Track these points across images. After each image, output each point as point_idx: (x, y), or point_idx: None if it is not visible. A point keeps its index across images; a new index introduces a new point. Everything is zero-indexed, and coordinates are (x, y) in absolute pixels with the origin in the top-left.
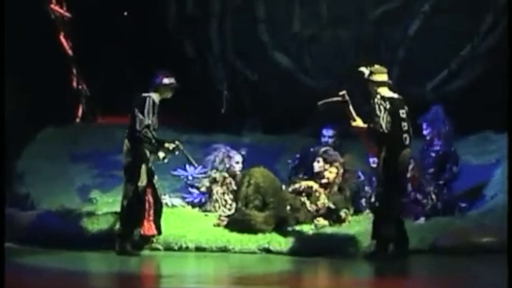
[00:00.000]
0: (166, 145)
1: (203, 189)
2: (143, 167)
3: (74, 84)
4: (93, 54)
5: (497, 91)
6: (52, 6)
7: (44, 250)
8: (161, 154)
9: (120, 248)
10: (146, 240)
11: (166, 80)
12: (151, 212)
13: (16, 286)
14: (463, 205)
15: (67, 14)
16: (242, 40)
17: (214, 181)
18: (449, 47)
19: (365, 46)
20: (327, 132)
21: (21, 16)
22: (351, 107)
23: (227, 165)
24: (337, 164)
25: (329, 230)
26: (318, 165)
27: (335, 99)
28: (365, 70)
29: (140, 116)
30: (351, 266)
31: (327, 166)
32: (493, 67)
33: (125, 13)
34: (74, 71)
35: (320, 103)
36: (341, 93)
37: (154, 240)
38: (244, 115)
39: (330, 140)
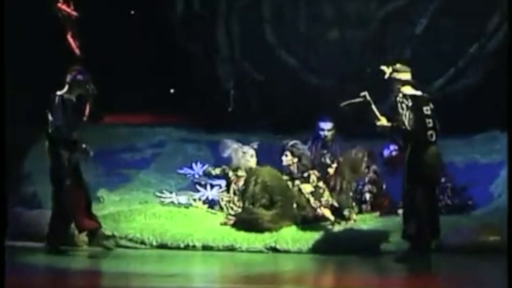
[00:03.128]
0: (83, 146)
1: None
2: (64, 166)
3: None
4: (100, 53)
5: (503, 90)
6: (60, 5)
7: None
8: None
9: (48, 247)
10: (93, 234)
11: (79, 77)
12: (83, 208)
13: (23, 285)
14: (470, 203)
15: (75, 13)
16: (249, 40)
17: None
18: (456, 46)
19: (372, 45)
20: (325, 125)
21: (28, 15)
22: (374, 107)
23: (243, 161)
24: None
25: (337, 228)
26: (286, 159)
27: (357, 100)
28: (387, 69)
29: (50, 116)
30: (363, 264)
31: (295, 159)
32: (499, 67)
33: (132, 12)
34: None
35: (343, 104)
36: (362, 93)
37: (111, 241)
38: (251, 115)
39: (329, 134)
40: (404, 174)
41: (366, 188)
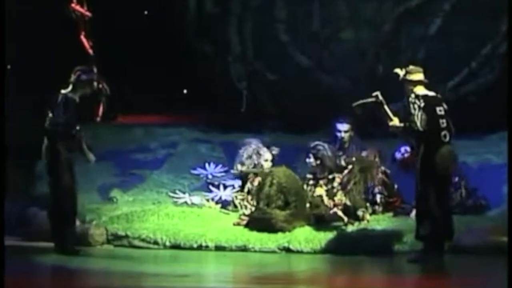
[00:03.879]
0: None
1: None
2: (62, 164)
3: (95, 83)
4: (113, 53)
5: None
6: (73, 5)
7: None
8: (91, 157)
9: (57, 247)
10: None
11: (83, 77)
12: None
13: (37, 284)
14: (483, 203)
15: (88, 13)
16: (262, 39)
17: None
18: (469, 46)
19: (385, 45)
20: (341, 127)
21: (42, 15)
22: (386, 107)
23: (255, 162)
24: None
25: (350, 228)
26: (309, 161)
27: (369, 100)
28: (400, 72)
29: (50, 114)
30: (376, 265)
31: (317, 161)
32: None
33: (145, 12)
34: (95, 70)
35: (354, 104)
36: (374, 93)
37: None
38: (264, 115)
39: (345, 135)
40: (417, 175)
41: (377, 189)
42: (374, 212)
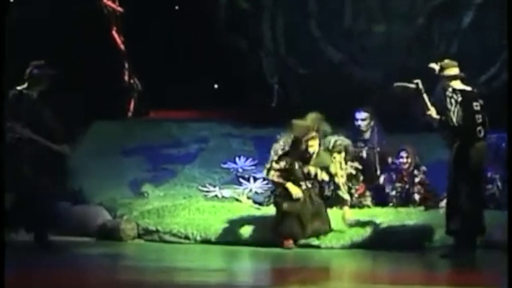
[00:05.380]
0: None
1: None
2: (21, 159)
3: (126, 78)
4: (144, 48)
5: None
6: (105, 0)
7: (97, 243)
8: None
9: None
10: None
11: (35, 71)
12: None
13: (68, 278)
14: None
15: (119, 9)
16: (294, 34)
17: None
18: (501, 40)
19: (418, 39)
20: (359, 115)
21: (75, 11)
22: (425, 96)
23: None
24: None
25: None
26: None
27: (411, 85)
28: (436, 66)
29: (7, 112)
30: (408, 260)
31: (342, 155)
32: None
33: (176, 7)
34: (126, 65)
35: (396, 84)
36: (415, 80)
37: None
38: (295, 109)
39: (363, 123)
40: (450, 170)
41: (416, 189)
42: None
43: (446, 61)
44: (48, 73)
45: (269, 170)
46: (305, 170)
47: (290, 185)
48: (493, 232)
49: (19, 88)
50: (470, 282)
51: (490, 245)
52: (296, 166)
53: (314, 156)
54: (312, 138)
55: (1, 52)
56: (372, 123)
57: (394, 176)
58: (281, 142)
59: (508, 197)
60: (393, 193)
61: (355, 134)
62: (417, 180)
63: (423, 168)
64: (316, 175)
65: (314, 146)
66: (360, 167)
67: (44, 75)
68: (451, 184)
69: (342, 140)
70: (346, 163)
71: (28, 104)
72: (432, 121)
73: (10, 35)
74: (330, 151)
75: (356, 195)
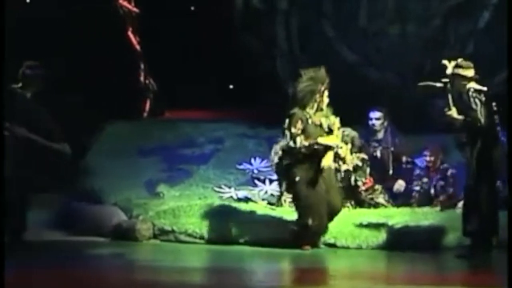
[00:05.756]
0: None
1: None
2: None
3: (142, 79)
4: (160, 49)
5: None
6: (121, 1)
7: (112, 243)
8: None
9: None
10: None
11: (28, 72)
12: None
13: (85, 278)
14: None
15: (135, 9)
16: (308, 34)
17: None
18: None
19: (433, 40)
20: (373, 114)
21: (91, 11)
22: (450, 96)
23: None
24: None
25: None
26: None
27: (437, 84)
28: (449, 64)
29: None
30: (423, 260)
31: (348, 146)
32: None
33: (192, 8)
34: (142, 66)
35: (420, 84)
36: (444, 80)
37: None
38: None
39: (377, 123)
40: (471, 170)
41: (442, 189)
42: (422, 205)
43: (462, 60)
44: (41, 74)
45: (294, 140)
46: (317, 122)
47: (322, 139)
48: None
49: (13, 86)
50: (484, 283)
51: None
52: (309, 122)
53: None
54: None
55: (1, 52)
56: (385, 123)
57: (416, 174)
58: (281, 143)
59: (508, 197)
60: (414, 191)
61: (369, 133)
62: (439, 179)
63: (453, 171)
64: (329, 127)
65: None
66: (366, 157)
67: (37, 76)
68: (470, 184)
69: (349, 131)
70: (351, 154)
71: (22, 104)
72: (453, 121)
73: (25, 35)
74: None
75: (363, 188)
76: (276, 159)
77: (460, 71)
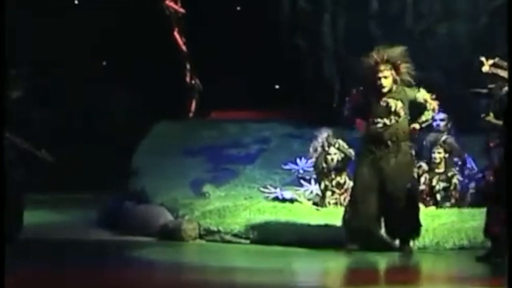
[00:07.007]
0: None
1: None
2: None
3: (188, 79)
4: (206, 49)
5: None
6: (167, 2)
7: (158, 243)
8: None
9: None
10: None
11: (13, 72)
12: None
13: (130, 278)
14: None
15: (181, 10)
16: (354, 34)
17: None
18: None
19: (481, 39)
20: (438, 116)
21: (138, 13)
22: (492, 101)
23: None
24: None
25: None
26: (437, 155)
27: (483, 90)
28: (486, 61)
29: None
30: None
31: (446, 155)
32: None
33: (238, 8)
34: (188, 66)
35: (472, 90)
36: (490, 85)
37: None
38: None
39: (442, 123)
40: (501, 172)
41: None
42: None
43: (501, 61)
44: (24, 78)
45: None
46: (383, 104)
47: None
48: None
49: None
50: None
51: None
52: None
53: (393, 89)
54: (381, 71)
55: (1, 52)
56: (449, 124)
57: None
58: (319, 139)
59: (507, 197)
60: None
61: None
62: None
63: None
64: (396, 109)
65: (387, 79)
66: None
67: (21, 79)
68: (497, 186)
69: (445, 137)
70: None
71: (9, 105)
72: (488, 125)
73: (78, 37)
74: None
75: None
76: (315, 156)
77: (500, 72)
